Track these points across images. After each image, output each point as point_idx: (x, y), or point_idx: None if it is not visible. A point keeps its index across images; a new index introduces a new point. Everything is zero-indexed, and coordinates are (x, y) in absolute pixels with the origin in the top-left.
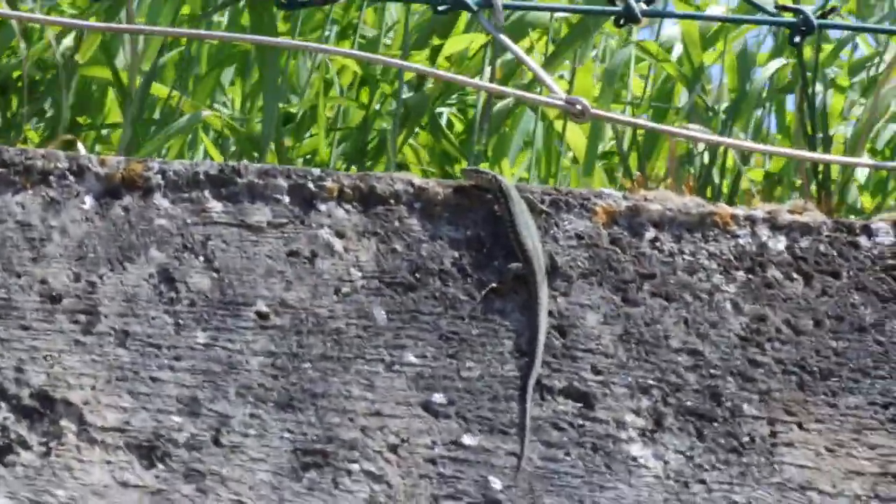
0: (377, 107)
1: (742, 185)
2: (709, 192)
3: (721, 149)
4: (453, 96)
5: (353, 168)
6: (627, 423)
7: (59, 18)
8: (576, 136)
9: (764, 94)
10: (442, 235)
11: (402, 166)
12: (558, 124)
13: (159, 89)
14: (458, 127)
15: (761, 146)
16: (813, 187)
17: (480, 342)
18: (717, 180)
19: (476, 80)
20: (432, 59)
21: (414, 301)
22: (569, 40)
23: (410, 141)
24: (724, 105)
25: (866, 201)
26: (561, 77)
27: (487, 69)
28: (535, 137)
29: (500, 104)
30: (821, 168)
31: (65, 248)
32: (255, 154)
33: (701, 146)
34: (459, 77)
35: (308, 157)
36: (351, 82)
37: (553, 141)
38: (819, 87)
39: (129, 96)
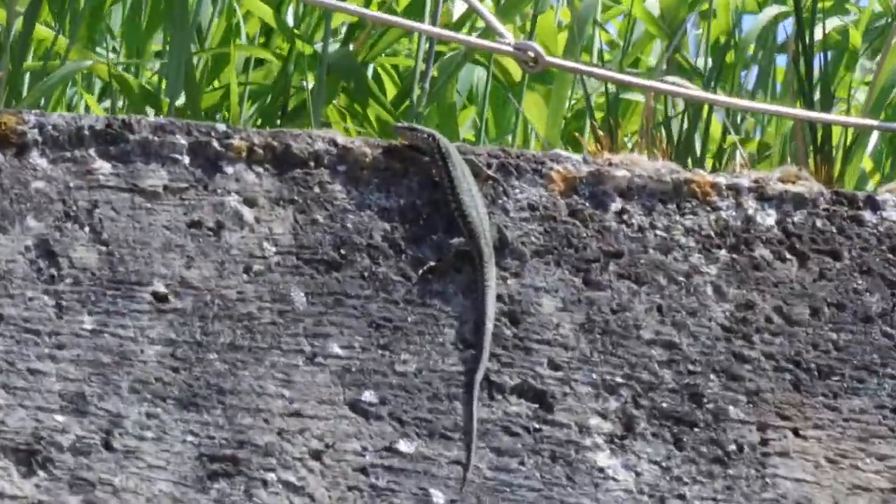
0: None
1: (730, 157)
2: (690, 164)
3: (704, 112)
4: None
5: None
6: (592, 428)
7: None
8: (532, 102)
9: (759, 52)
10: (371, 204)
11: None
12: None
13: (42, 31)
14: (391, 91)
15: (749, 102)
16: (811, 156)
17: (417, 331)
18: (697, 149)
19: (415, 23)
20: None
21: (338, 281)
22: None
23: (335, 103)
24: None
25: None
26: (521, 28)
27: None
28: (480, 92)
29: (443, 58)
30: (820, 131)
31: None
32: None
33: (680, 108)
34: (399, 19)
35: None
36: (258, 31)
37: (505, 95)
38: (818, 35)
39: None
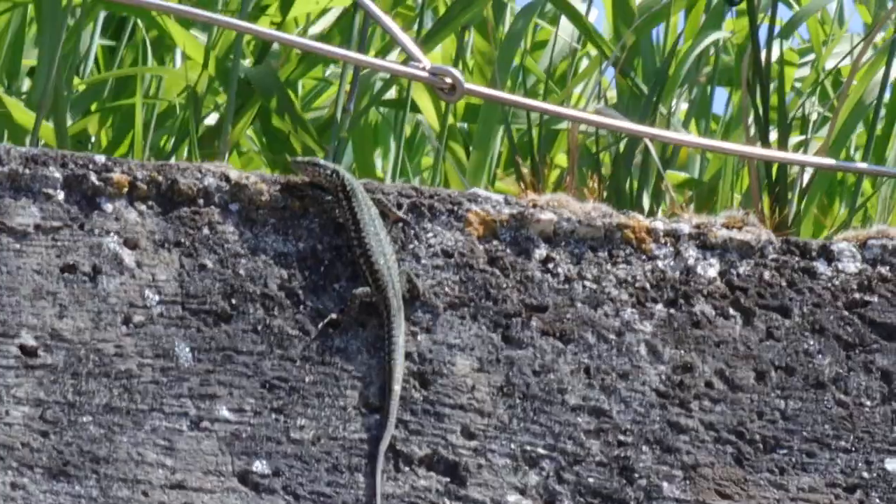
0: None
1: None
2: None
3: (641, 145)
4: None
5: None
6: None
7: None
8: (430, 116)
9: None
10: (266, 248)
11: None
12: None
13: None
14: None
15: (688, 137)
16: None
17: (316, 392)
18: (631, 185)
19: (336, 48)
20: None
21: (228, 336)
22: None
23: (248, 131)
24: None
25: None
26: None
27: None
28: (395, 127)
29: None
30: (775, 168)
31: None
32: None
33: (610, 140)
34: (317, 44)
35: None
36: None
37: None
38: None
39: None
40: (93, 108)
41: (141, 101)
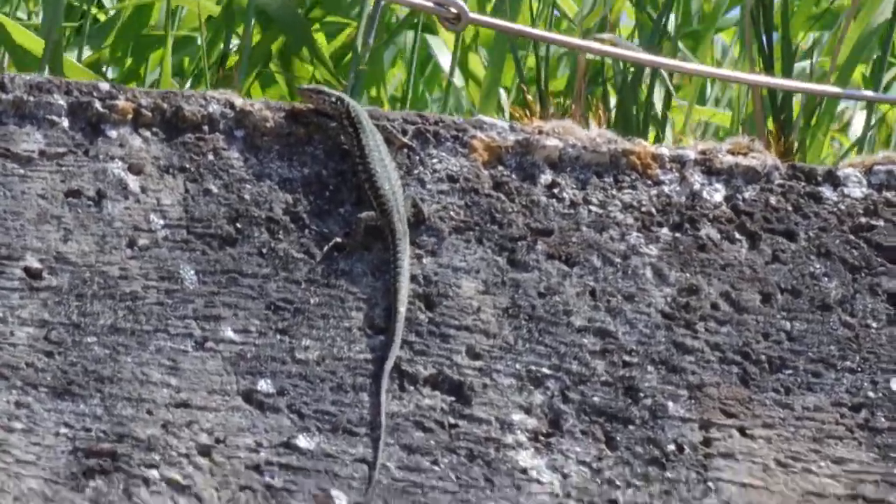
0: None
1: (678, 125)
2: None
3: (647, 76)
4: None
5: None
6: (515, 424)
7: None
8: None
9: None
10: (271, 174)
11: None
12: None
13: None
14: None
15: (695, 65)
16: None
17: (321, 314)
18: (638, 112)
19: None
20: None
21: (233, 258)
22: None
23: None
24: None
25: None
26: None
27: None
28: (409, 52)
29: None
30: (780, 96)
31: None
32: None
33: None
34: None
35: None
36: None
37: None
38: None
39: None
40: (109, 39)
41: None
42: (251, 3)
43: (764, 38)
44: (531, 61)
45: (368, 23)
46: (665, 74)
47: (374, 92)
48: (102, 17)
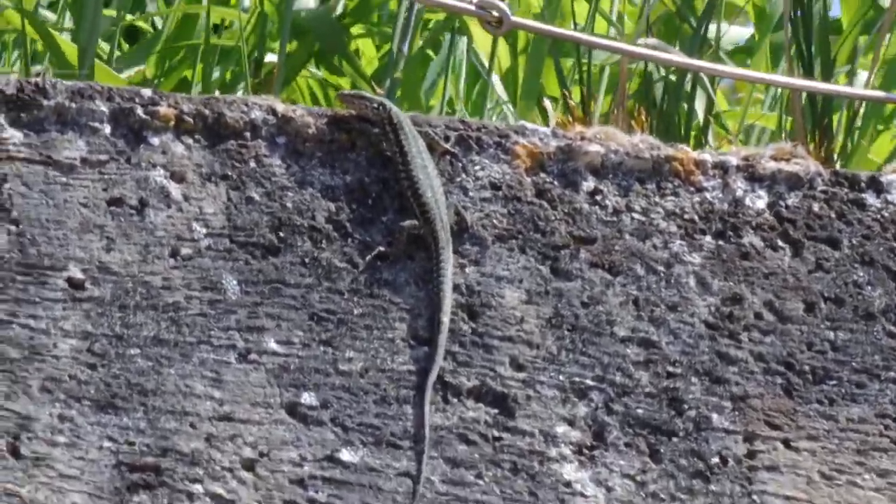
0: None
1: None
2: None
3: (690, 81)
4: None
5: None
6: (559, 437)
7: None
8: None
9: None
10: (313, 181)
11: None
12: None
13: None
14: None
15: (737, 69)
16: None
17: (364, 325)
18: (680, 118)
19: None
20: None
21: (276, 268)
22: None
23: (311, 70)
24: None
25: (880, 149)
26: None
27: None
28: (451, 60)
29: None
30: (820, 103)
31: None
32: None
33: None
34: None
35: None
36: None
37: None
38: None
39: None
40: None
41: (203, 45)
42: (288, 11)
43: (803, 45)
44: (567, 66)
45: (403, 30)
46: (707, 80)
47: (409, 103)
48: (140, 24)
